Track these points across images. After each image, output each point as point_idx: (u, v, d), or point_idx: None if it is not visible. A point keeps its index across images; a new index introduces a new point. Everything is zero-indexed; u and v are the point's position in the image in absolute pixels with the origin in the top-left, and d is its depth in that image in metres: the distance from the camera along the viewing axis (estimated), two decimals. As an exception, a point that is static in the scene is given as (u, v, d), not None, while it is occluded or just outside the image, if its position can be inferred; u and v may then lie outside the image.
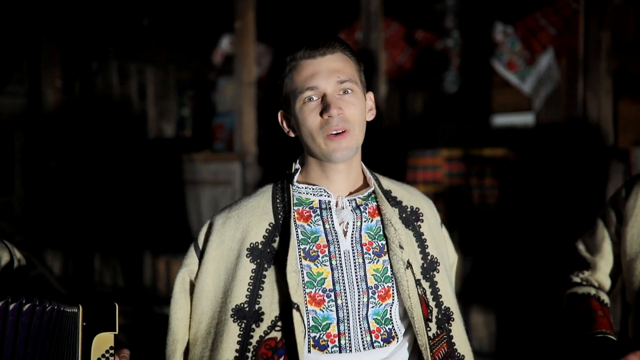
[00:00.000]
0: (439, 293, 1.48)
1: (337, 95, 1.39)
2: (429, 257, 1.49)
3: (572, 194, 3.63)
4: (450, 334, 1.47)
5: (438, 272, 1.49)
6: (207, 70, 7.05)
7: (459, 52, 5.45)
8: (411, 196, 1.54)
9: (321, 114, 1.38)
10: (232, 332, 1.37)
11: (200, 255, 1.45)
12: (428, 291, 1.46)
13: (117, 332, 1.36)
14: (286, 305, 1.36)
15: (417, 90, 5.90)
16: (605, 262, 1.78)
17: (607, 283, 1.79)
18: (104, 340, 1.36)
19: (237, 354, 1.36)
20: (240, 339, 1.37)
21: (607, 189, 3.52)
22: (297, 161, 1.51)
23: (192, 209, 5.45)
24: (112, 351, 1.35)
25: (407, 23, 5.53)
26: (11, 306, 1.31)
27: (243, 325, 1.37)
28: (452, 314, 1.49)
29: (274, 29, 6.18)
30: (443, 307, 1.47)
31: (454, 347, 1.46)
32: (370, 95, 1.50)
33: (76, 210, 6.30)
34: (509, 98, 5.37)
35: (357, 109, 1.40)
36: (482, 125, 5.49)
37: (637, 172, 3.45)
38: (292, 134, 1.49)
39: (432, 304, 1.45)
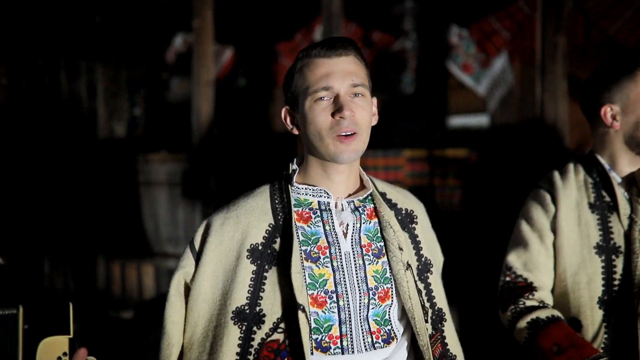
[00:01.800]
0: (433, 294, 1.50)
1: (348, 97, 1.39)
2: (423, 259, 1.51)
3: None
4: (443, 334, 1.49)
5: (431, 274, 1.51)
6: (160, 69, 6.91)
7: (416, 54, 5.53)
8: (405, 199, 1.56)
9: (333, 115, 1.37)
10: (233, 335, 1.35)
11: (197, 256, 1.43)
12: (423, 292, 1.47)
13: (71, 336, 1.24)
14: (289, 306, 1.34)
15: (374, 91, 5.96)
16: (547, 278, 1.72)
17: (552, 301, 1.72)
18: (54, 345, 1.23)
19: (238, 357, 1.34)
20: (241, 342, 1.35)
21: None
22: (294, 161, 1.50)
23: (147, 211, 5.33)
24: (65, 358, 1.23)
25: (364, 24, 5.57)
26: None
27: (244, 328, 1.35)
28: (444, 314, 1.51)
29: (230, 28, 6.11)
30: (436, 308, 1.49)
31: (447, 348, 1.48)
32: (374, 100, 1.50)
33: (24, 213, 6.07)
34: (464, 99, 5.48)
35: (366, 113, 1.41)
36: (439, 126, 5.59)
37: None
38: (295, 131, 1.48)
39: (427, 304, 1.46)
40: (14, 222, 6.00)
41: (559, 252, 1.70)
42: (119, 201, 5.63)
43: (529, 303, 1.68)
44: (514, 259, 1.76)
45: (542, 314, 1.65)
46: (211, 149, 4.95)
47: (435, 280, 1.52)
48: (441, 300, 1.51)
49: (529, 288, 1.70)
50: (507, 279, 1.76)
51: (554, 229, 1.72)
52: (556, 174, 1.78)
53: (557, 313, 1.67)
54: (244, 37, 6.39)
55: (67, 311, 1.24)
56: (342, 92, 1.38)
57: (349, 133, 1.38)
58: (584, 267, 1.68)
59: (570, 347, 1.57)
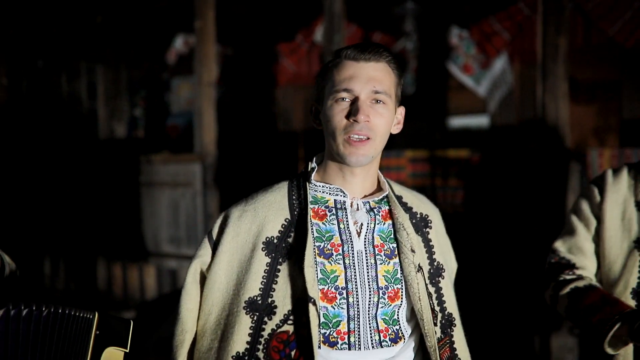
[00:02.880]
0: (443, 299, 1.51)
1: (368, 102, 1.41)
2: (435, 263, 1.53)
3: (533, 193, 3.75)
4: (452, 339, 1.51)
5: (443, 279, 1.53)
6: (161, 69, 6.92)
7: (416, 54, 5.55)
8: (421, 203, 1.58)
9: (348, 117, 1.40)
10: (244, 324, 1.38)
11: (214, 246, 1.46)
12: (434, 296, 1.49)
13: (128, 351, 1.34)
14: (300, 299, 1.37)
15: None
16: (590, 262, 1.81)
17: (596, 282, 1.80)
18: (114, 356, 1.32)
19: (248, 346, 1.37)
20: (251, 332, 1.38)
21: (567, 189, 3.65)
22: (314, 160, 1.53)
23: (148, 211, 5.35)
24: None
25: (365, 25, 5.59)
26: (21, 312, 1.27)
27: (255, 318, 1.38)
28: (454, 319, 1.52)
29: (231, 29, 6.13)
30: (446, 312, 1.51)
31: (455, 352, 1.50)
32: (402, 110, 1.52)
33: (24, 213, 6.08)
34: (464, 100, 5.50)
35: (383, 121, 1.42)
36: (439, 126, 5.60)
37: (593, 172, 3.59)
38: (318, 127, 1.51)
39: (437, 308, 1.48)
40: (15, 223, 6.01)
41: (600, 238, 1.79)
42: (120, 202, 5.64)
43: (568, 277, 1.78)
44: (559, 244, 1.85)
45: (580, 284, 1.74)
46: (213, 149, 4.97)
47: (447, 285, 1.54)
48: (452, 305, 1.53)
49: (571, 267, 1.80)
50: (552, 261, 1.85)
51: (598, 216, 1.80)
52: (609, 171, 1.86)
53: (594, 282, 1.76)
54: (244, 37, 6.41)
55: (129, 327, 1.34)
56: (362, 97, 1.40)
57: (362, 137, 1.39)
58: (622, 259, 1.76)
59: (604, 305, 1.65)
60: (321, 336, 1.38)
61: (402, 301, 1.44)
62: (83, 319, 1.30)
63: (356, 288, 1.40)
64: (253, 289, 1.39)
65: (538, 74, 3.91)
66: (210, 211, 4.92)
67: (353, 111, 1.39)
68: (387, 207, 1.50)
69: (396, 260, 1.45)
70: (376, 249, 1.45)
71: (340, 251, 1.42)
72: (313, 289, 1.35)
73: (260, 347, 1.37)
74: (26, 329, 1.27)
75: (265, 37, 6.16)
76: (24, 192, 6.10)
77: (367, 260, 1.43)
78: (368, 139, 1.40)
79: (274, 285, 1.39)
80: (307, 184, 1.48)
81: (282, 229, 1.44)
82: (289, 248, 1.42)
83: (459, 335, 1.52)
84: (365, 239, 1.44)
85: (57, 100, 6.69)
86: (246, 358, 1.37)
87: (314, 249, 1.41)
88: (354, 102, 1.40)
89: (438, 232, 1.57)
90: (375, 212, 1.48)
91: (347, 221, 1.45)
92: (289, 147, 5.82)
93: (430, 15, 5.62)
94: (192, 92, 6.27)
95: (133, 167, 5.46)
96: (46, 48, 6.53)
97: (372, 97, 1.41)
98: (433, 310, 1.46)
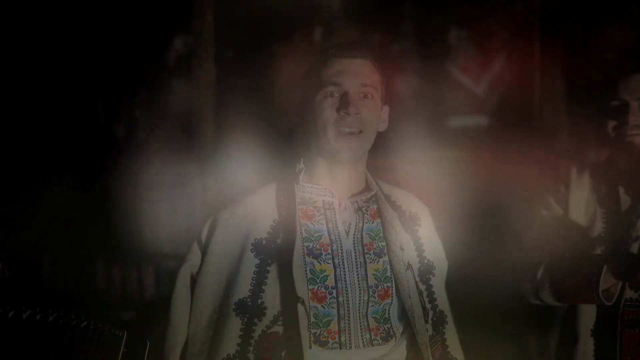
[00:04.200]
0: (434, 296, 1.55)
1: (357, 97, 1.44)
2: (425, 261, 1.56)
3: (531, 193, 3.75)
4: (444, 336, 1.54)
5: (433, 276, 1.57)
6: (160, 70, 6.92)
7: (415, 55, 5.54)
8: (410, 201, 1.62)
9: (338, 110, 1.41)
10: (234, 326, 1.40)
11: (203, 250, 1.49)
12: (424, 294, 1.52)
13: None
14: (289, 300, 1.39)
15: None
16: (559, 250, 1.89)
17: None
18: None
19: (239, 348, 1.39)
20: (242, 333, 1.40)
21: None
22: (301, 161, 1.53)
23: (147, 211, 5.35)
24: None
25: (363, 26, 5.58)
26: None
27: (245, 320, 1.41)
28: (446, 317, 1.57)
29: (230, 29, 6.12)
30: (438, 310, 1.54)
31: (447, 350, 1.54)
32: (387, 109, 1.56)
33: (23, 213, 6.07)
34: (463, 101, 5.49)
35: (373, 114, 1.47)
36: (437, 127, 5.59)
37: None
38: (302, 126, 1.54)
39: (428, 306, 1.52)
40: (14, 223, 6.00)
41: (566, 232, 1.88)
42: (119, 202, 5.64)
43: (537, 261, 1.88)
44: (528, 240, 1.96)
45: (550, 261, 1.84)
46: (212, 149, 4.97)
47: (438, 282, 1.57)
48: (443, 303, 1.56)
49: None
50: (521, 259, 1.96)
51: (564, 208, 1.92)
52: (573, 169, 1.97)
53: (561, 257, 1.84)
54: (244, 37, 6.40)
55: (146, 347, 1.43)
56: (351, 91, 1.44)
57: (353, 130, 1.41)
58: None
59: (583, 260, 1.75)
60: (312, 336, 1.40)
61: (392, 299, 1.46)
62: (112, 335, 1.38)
63: (346, 287, 1.42)
64: (242, 290, 1.42)
65: (536, 74, 3.91)
66: (210, 211, 4.91)
67: (343, 105, 1.42)
68: (376, 206, 1.53)
69: (386, 258, 1.48)
70: (365, 247, 1.47)
71: (329, 251, 1.44)
72: (301, 289, 1.37)
73: (251, 348, 1.38)
74: (27, 332, 1.28)
75: (264, 37, 6.15)
76: (23, 192, 6.10)
77: (356, 259, 1.45)
78: (360, 132, 1.42)
79: (263, 287, 1.42)
80: (296, 185, 1.48)
81: (270, 230, 1.46)
82: (278, 249, 1.43)
83: (451, 333, 1.55)
84: (354, 238, 1.46)
85: (57, 100, 6.69)
86: None
87: (303, 249, 1.43)
88: (344, 96, 1.43)
89: (428, 230, 1.61)
90: (364, 211, 1.50)
91: (336, 221, 1.47)
92: (288, 147, 5.82)
93: (429, 15, 5.61)
94: (191, 93, 6.26)
95: (132, 167, 5.46)
96: (46, 48, 6.52)
97: (361, 92, 1.45)
98: (424, 307, 1.49)
